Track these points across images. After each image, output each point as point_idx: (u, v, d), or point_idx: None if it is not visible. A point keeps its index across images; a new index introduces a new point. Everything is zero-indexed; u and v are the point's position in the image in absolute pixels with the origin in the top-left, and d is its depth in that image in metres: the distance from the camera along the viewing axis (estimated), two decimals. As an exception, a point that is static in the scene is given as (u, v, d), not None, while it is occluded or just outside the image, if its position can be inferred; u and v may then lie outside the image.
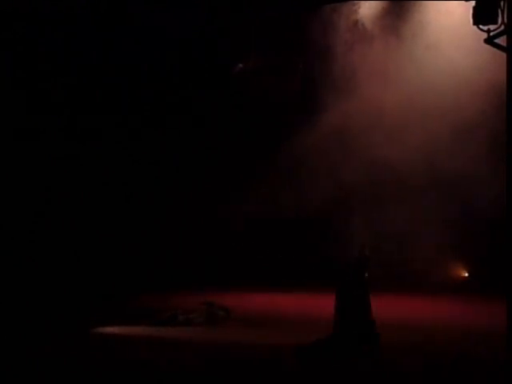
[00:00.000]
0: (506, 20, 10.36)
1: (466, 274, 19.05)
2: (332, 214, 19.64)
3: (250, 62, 18.20)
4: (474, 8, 10.76)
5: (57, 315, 14.33)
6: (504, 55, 10.24)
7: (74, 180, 18.47)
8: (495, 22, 10.55)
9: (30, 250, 17.46)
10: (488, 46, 10.76)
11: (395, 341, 11.74)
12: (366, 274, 11.30)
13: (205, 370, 10.28)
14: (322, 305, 15.79)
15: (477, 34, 10.96)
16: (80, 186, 18.55)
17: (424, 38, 18.26)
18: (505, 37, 10.32)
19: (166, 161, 19.68)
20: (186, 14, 18.41)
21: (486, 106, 16.86)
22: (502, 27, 10.45)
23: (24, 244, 17.48)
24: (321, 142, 18.51)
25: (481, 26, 10.71)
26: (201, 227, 19.44)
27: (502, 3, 10.49)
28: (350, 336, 11.01)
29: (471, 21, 10.83)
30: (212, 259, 19.00)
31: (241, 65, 18.26)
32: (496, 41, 10.64)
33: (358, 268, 11.30)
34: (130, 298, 16.54)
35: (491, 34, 10.61)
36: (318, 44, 18.99)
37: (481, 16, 10.66)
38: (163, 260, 18.82)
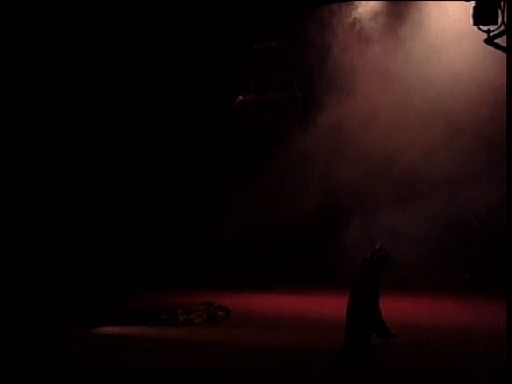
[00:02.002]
0: (506, 20, 10.33)
1: (466, 274, 19.03)
2: (331, 216, 19.65)
3: (250, 95, 18.37)
4: (474, 8, 10.74)
5: (56, 315, 14.33)
6: (504, 56, 10.22)
7: (73, 180, 18.46)
8: (495, 22, 10.53)
9: (29, 250, 17.44)
10: (488, 47, 10.73)
11: (395, 341, 11.75)
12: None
13: (205, 370, 10.28)
14: (323, 305, 15.90)
15: (477, 35, 10.94)
16: (78, 185, 18.53)
17: (423, 39, 18.26)
18: (505, 37, 10.29)
19: (167, 161, 19.72)
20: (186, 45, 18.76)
21: (486, 106, 16.87)
22: (502, 27, 10.42)
23: (23, 244, 17.47)
24: (317, 145, 18.53)
25: (481, 27, 10.69)
26: (201, 227, 19.43)
27: (502, 3, 10.46)
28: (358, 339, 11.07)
29: (471, 21, 10.80)
30: (212, 259, 18.99)
31: (241, 97, 18.41)
32: (496, 41, 10.61)
33: (373, 269, 11.33)
34: (129, 298, 16.54)
35: (491, 34, 10.58)
36: (316, 44, 19.01)
37: (481, 16, 10.63)
38: (163, 260, 18.82)
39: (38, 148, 17.83)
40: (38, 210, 17.74)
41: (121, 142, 19.02)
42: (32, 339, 12.27)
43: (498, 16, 10.51)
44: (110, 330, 13.08)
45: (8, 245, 16.94)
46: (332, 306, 15.58)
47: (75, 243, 17.89)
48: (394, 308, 14.94)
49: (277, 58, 18.52)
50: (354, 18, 19.12)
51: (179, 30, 18.70)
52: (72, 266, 17.39)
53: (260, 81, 18.56)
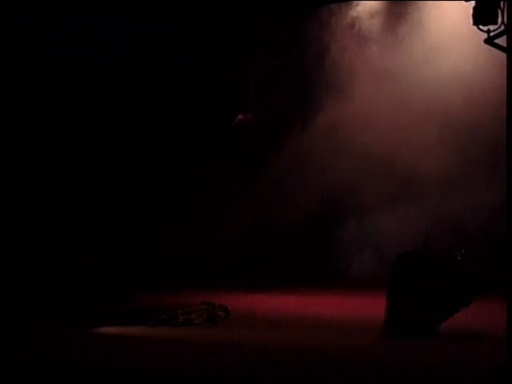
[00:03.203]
0: (506, 20, 10.34)
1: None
2: (329, 216, 19.66)
3: (249, 113, 18.46)
4: (474, 8, 10.75)
5: (56, 315, 14.32)
6: (504, 56, 10.23)
7: (73, 181, 18.48)
8: (495, 22, 10.54)
9: (28, 250, 17.45)
10: (488, 47, 10.74)
11: (394, 341, 11.77)
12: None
13: (205, 370, 10.27)
14: (323, 305, 15.90)
15: (476, 35, 10.96)
16: (79, 186, 18.55)
17: (422, 39, 18.27)
18: (505, 37, 10.30)
19: (167, 161, 19.75)
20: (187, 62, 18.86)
21: (485, 107, 16.88)
22: (502, 27, 10.43)
23: (22, 244, 17.48)
24: (316, 145, 18.55)
25: (481, 27, 10.70)
26: (201, 227, 19.44)
27: (502, 3, 10.47)
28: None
29: (471, 21, 10.82)
30: (212, 259, 19.00)
31: (241, 115, 18.51)
32: (496, 41, 10.62)
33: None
34: (129, 298, 16.54)
35: (491, 34, 10.59)
36: (314, 44, 19.03)
37: (481, 16, 10.64)
38: (163, 260, 18.83)
39: (37, 148, 17.87)
40: (38, 210, 17.76)
41: (121, 143, 19.06)
42: (32, 339, 12.25)
43: (497, 16, 10.52)
44: (109, 329, 13.07)
45: (8, 245, 16.95)
46: (332, 306, 15.61)
47: (75, 243, 17.91)
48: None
49: (277, 71, 18.64)
50: (353, 18, 19.13)
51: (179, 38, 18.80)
52: (72, 265, 17.41)
53: (260, 93, 18.65)
